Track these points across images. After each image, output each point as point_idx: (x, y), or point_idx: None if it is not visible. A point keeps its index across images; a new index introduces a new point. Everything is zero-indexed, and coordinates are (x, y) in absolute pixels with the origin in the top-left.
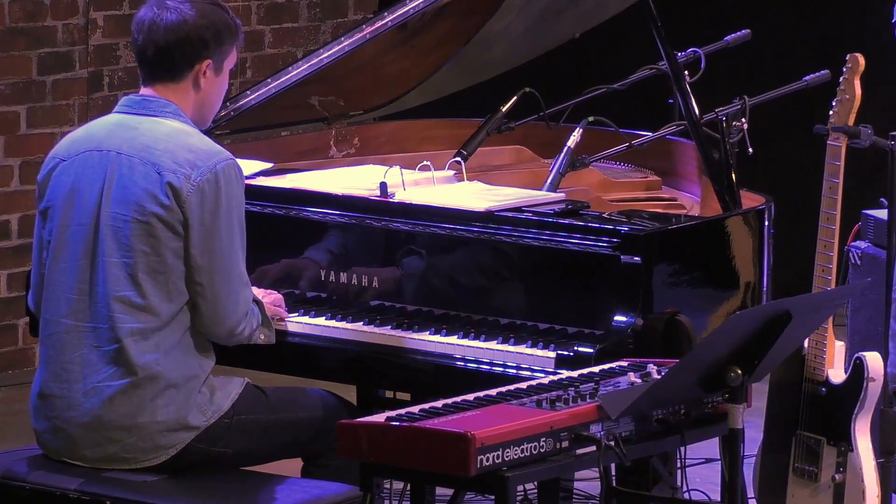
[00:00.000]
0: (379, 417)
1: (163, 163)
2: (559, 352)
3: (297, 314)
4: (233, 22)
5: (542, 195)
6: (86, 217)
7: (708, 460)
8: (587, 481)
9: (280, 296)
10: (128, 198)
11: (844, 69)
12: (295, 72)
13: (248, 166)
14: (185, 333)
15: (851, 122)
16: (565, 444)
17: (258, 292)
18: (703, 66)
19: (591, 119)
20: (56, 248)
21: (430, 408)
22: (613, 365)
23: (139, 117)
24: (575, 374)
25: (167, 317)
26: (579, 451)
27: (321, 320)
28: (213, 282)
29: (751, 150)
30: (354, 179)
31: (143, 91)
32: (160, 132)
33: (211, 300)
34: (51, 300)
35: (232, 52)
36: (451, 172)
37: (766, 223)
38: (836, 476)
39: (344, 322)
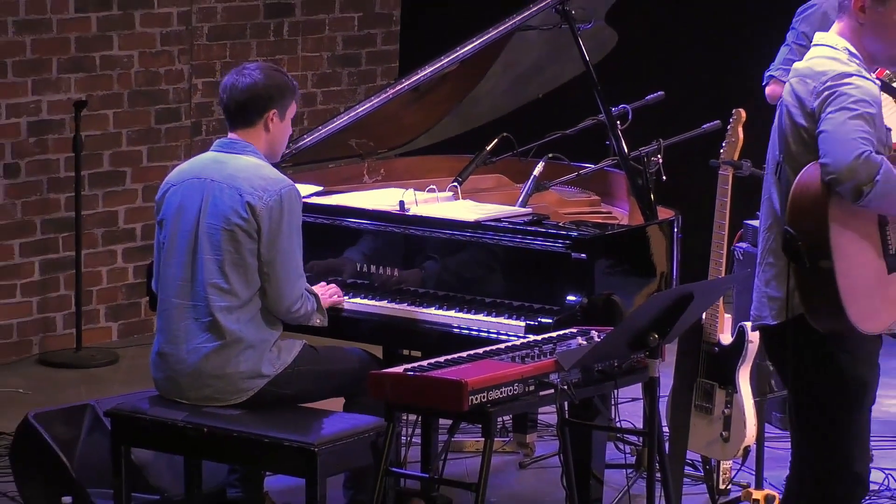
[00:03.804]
0: (399, 369)
1: (243, 187)
2: (527, 322)
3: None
4: (291, 82)
5: (516, 210)
6: (189, 226)
7: (633, 399)
8: (547, 415)
9: (336, 286)
10: (218, 212)
11: (731, 119)
12: (338, 122)
13: (304, 189)
14: (258, 311)
15: (736, 157)
16: (532, 388)
17: (317, 288)
18: (630, 117)
19: (550, 155)
20: (168, 248)
21: (435, 362)
22: (566, 331)
23: (227, 154)
24: (539, 338)
25: (246, 298)
26: (542, 393)
27: (357, 300)
28: (275, 271)
29: (664, 177)
30: (381, 199)
31: (230, 135)
32: (241, 165)
33: (274, 284)
34: (164, 285)
35: (292, 104)
36: (450, 194)
37: (676, 230)
38: (726, 411)
39: (374, 301)
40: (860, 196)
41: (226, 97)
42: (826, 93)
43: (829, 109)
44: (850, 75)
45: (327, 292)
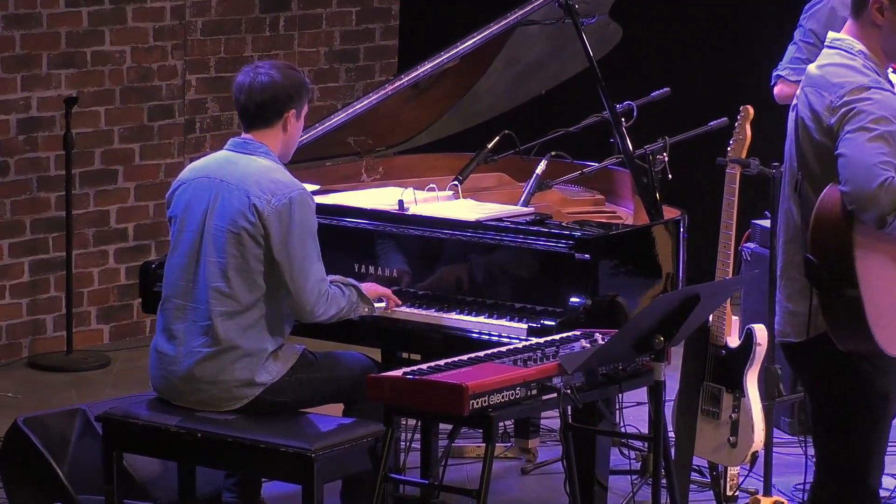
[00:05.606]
0: (397, 372)
1: (251, 189)
2: (530, 324)
3: None
4: (306, 80)
5: (518, 209)
6: (194, 226)
7: (639, 403)
8: (550, 419)
9: (389, 290)
10: (225, 214)
11: (739, 116)
12: (335, 119)
13: None
14: (260, 318)
15: (744, 155)
16: (534, 391)
17: (370, 286)
18: (635, 114)
19: (553, 153)
20: (174, 246)
21: (435, 365)
22: (569, 334)
23: (240, 154)
24: (541, 340)
25: (247, 304)
26: (545, 397)
27: None
28: (293, 277)
29: (670, 176)
30: (379, 198)
31: (245, 135)
32: (252, 167)
33: (293, 289)
34: (168, 283)
35: (306, 103)
36: (450, 192)
37: (682, 230)
38: (733, 415)
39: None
40: (884, 225)
41: (243, 97)
42: (844, 109)
43: (847, 128)
44: (869, 88)
45: (379, 287)
